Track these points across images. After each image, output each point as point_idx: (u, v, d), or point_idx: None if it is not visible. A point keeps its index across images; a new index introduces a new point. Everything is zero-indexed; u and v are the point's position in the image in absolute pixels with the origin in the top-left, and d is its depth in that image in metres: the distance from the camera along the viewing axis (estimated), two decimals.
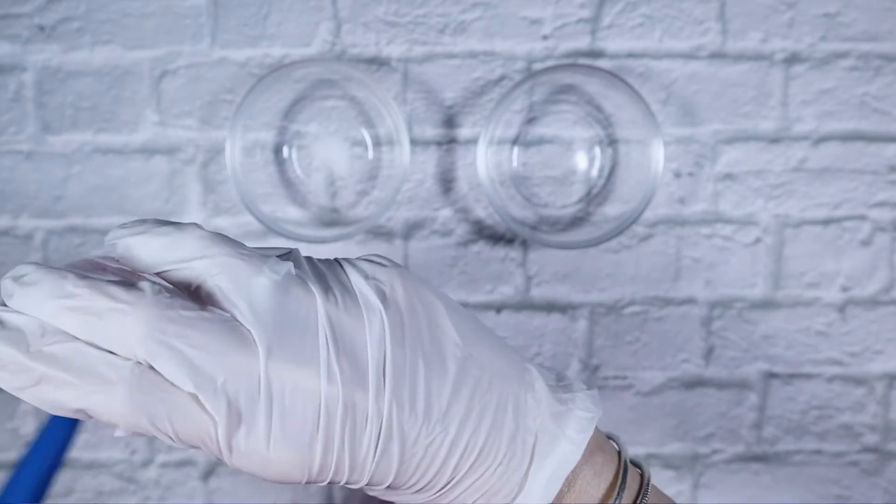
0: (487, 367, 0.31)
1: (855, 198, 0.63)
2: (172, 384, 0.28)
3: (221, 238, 0.29)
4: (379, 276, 0.31)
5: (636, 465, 0.35)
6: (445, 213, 0.63)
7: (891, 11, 0.62)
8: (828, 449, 0.65)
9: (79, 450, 0.65)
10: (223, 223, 0.63)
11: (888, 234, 0.64)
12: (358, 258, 0.32)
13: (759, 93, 0.62)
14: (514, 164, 0.63)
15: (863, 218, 0.63)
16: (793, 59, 0.62)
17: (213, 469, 0.65)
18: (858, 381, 0.65)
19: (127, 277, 0.29)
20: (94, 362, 0.27)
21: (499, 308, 0.64)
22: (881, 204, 0.63)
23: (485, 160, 0.60)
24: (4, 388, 0.28)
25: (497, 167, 0.62)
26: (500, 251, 0.64)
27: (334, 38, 0.62)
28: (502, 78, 0.62)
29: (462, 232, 0.63)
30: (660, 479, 0.66)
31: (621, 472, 0.34)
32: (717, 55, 0.62)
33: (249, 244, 0.33)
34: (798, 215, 0.63)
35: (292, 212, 0.63)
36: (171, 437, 0.28)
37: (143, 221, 0.30)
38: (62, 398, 0.28)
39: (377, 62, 0.62)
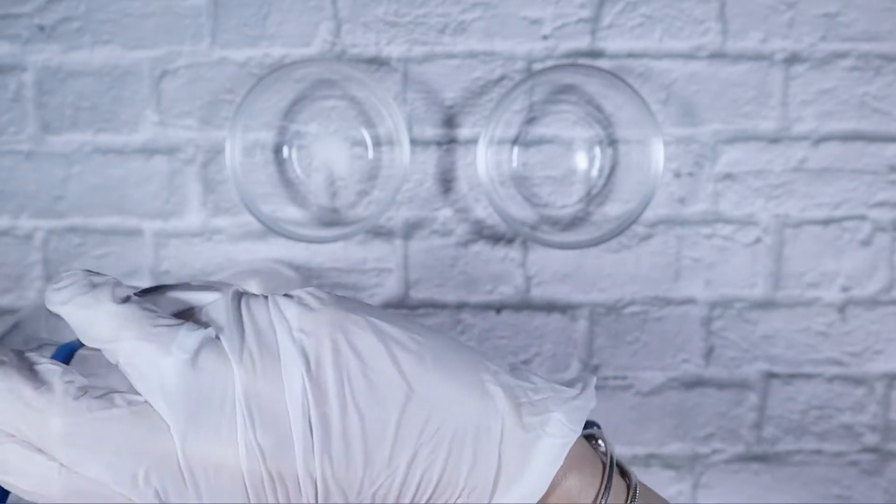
0: (439, 400, 0.30)
1: (855, 198, 0.63)
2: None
3: (132, 314, 0.29)
4: (306, 326, 0.29)
5: (623, 472, 0.33)
6: (445, 213, 0.63)
7: (891, 11, 0.62)
8: (828, 449, 0.65)
9: None
10: (223, 223, 0.63)
11: (888, 234, 0.64)
12: (291, 297, 0.31)
13: (759, 93, 0.62)
14: (514, 164, 0.63)
15: (863, 218, 0.63)
16: (793, 59, 0.62)
17: None
18: (858, 381, 0.65)
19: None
20: (25, 463, 0.28)
21: (499, 308, 0.64)
22: (881, 204, 0.63)
23: (485, 160, 0.60)
24: None
25: (497, 167, 0.62)
26: (500, 251, 0.64)
27: (334, 38, 0.62)
28: (502, 78, 0.62)
29: (462, 232, 0.63)
30: (660, 479, 0.66)
31: (602, 494, 0.32)
32: (717, 55, 0.62)
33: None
34: (798, 215, 0.63)
35: (292, 212, 0.63)
36: None
37: (73, 281, 0.29)
38: (15, 492, 0.28)
39: (377, 62, 0.62)
